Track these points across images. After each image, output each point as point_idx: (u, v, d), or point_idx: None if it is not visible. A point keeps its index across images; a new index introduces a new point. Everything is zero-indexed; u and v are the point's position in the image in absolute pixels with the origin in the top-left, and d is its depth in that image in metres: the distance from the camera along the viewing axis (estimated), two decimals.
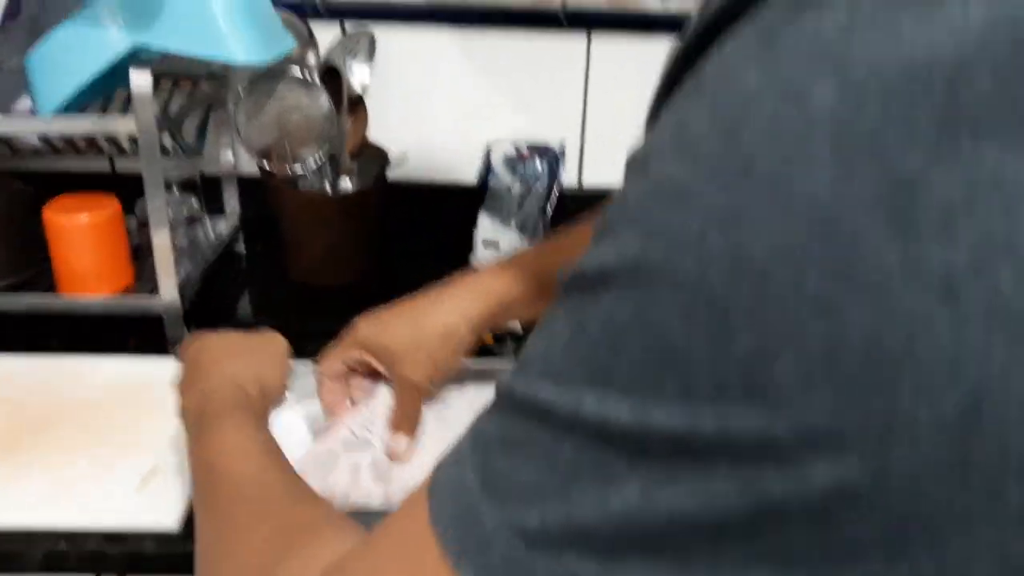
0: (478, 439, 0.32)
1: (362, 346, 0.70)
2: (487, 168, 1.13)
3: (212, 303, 1.02)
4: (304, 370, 0.75)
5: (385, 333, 0.69)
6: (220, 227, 1.15)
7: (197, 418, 0.59)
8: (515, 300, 0.68)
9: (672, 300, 0.26)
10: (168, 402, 0.79)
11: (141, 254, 1.03)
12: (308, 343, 0.92)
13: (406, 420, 0.69)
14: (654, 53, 1.12)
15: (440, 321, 0.68)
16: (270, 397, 0.66)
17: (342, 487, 0.66)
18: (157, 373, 0.84)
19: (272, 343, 0.70)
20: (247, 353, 0.67)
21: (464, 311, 0.68)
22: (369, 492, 0.66)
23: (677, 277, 0.25)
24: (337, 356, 0.72)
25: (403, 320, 0.69)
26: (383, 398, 0.72)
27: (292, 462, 0.56)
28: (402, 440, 0.68)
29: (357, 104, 1.07)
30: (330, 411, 0.72)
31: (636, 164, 0.29)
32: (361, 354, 0.70)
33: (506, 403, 0.32)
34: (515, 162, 1.13)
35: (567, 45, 1.10)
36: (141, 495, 0.68)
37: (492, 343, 0.94)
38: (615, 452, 0.27)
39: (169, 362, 0.87)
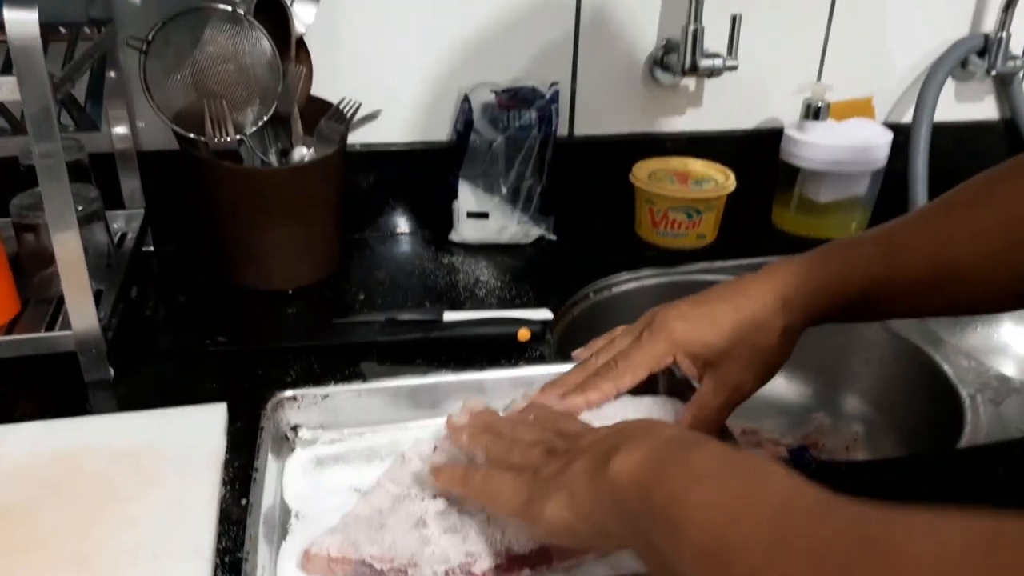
0: None
1: (681, 348, 0.57)
2: (465, 122, 0.92)
3: (130, 329, 0.75)
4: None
5: (706, 329, 0.57)
6: (119, 223, 0.88)
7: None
8: (840, 294, 0.55)
9: None
10: (121, 484, 0.55)
11: (22, 271, 0.75)
12: (275, 370, 0.70)
13: (704, 422, 0.57)
14: None
15: (764, 313, 0.56)
16: None
17: (405, 545, 0.48)
18: (89, 442, 0.59)
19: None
20: None
21: (786, 301, 0.56)
22: (444, 550, 0.48)
23: None
24: (647, 365, 0.58)
25: (719, 314, 0.57)
26: (417, 459, 0.55)
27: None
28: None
29: (299, 50, 0.82)
30: None
31: None
32: (677, 358, 0.58)
33: None
34: (497, 112, 0.92)
35: None
36: None
37: None
38: None
39: (101, 423, 0.62)
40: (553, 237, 0.96)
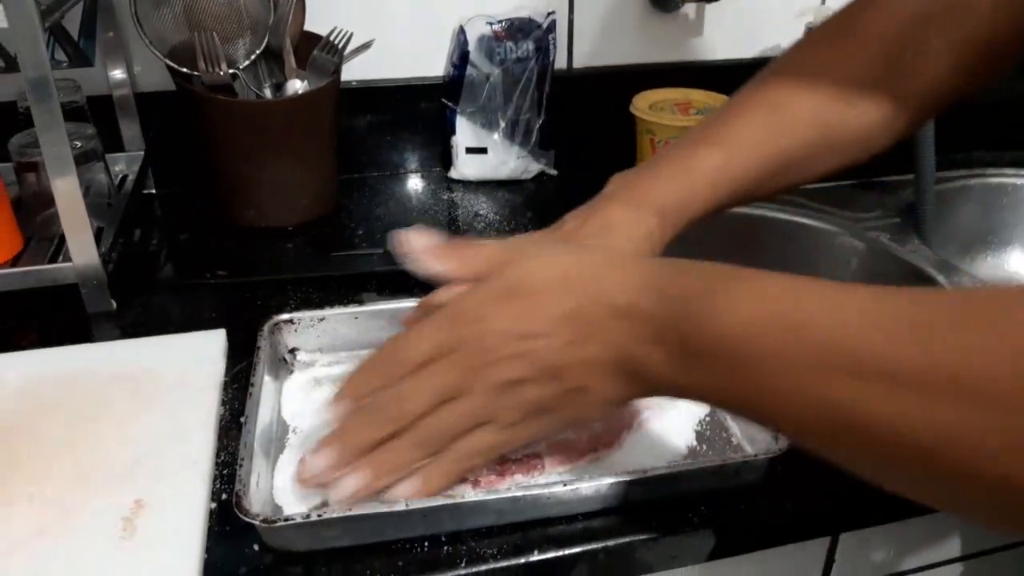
0: None
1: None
2: (461, 55, 0.91)
3: (133, 265, 0.76)
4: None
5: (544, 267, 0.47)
6: (119, 166, 0.88)
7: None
8: (689, 205, 0.55)
9: None
10: (120, 404, 0.56)
11: (26, 212, 0.76)
12: (274, 300, 0.70)
13: None
14: None
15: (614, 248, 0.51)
16: None
17: None
18: (90, 367, 0.60)
19: None
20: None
21: (632, 235, 0.52)
22: None
23: None
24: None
25: (561, 250, 0.48)
26: None
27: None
28: None
29: None
30: None
31: None
32: None
33: None
34: (494, 44, 0.91)
35: None
36: (130, 543, 0.45)
37: None
38: None
39: (102, 349, 0.63)
40: (554, 172, 0.95)
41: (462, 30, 0.91)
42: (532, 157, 0.94)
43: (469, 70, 0.91)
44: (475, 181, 0.94)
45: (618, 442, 0.52)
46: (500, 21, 0.91)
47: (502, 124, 0.92)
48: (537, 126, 0.93)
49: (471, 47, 0.90)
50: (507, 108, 0.92)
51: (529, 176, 0.95)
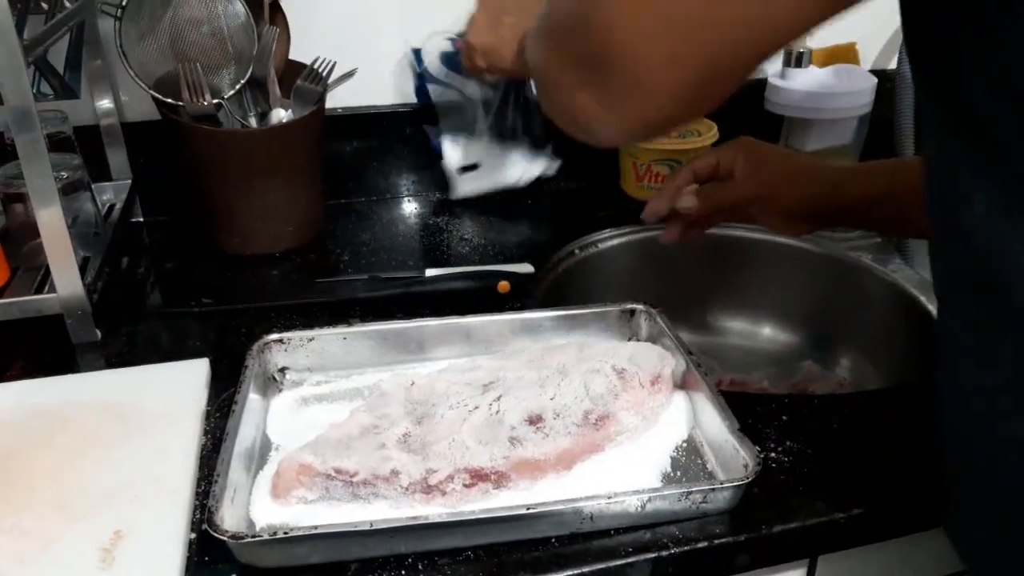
0: None
1: (744, 149, 0.71)
2: (418, 77, 0.91)
3: (119, 294, 0.77)
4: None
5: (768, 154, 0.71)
6: (107, 195, 0.89)
7: None
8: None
9: None
10: (102, 435, 0.56)
11: (12, 242, 0.76)
12: (258, 327, 0.70)
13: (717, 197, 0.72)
14: None
15: (819, 179, 0.70)
16: None
17: (368, 462, 0.51)
18: (73, 398, 0.60)
19: None
20: None
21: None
22: (402, 461, 0.51)
23: None
24: (714, 153, 0.72)
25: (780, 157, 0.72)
26: (398, 395, 0.57)
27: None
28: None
29: (275, 12, 0.83)
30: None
31: None
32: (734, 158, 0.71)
33: None
34: (457, 58, 0.90)
35: None
36: (109, 574, 0.46)
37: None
38: None
39: (86, 380, 0.63)
40: (553, 172, 0.95)
41: (414, 52, 0.90)
42: (531, 158, 0.94)
43: (439, 88, 0.90)
44: (466, 200, 0.94)
45: (580, 463, 0.52)
46: (460, 34, 0.90)
47: (487, 135, 0.92)
48: (521, 127, 0.93)
49: (435, 66, 0.89)
50: (488, 117, 0.91)
51: (531, 177, 0.94)
